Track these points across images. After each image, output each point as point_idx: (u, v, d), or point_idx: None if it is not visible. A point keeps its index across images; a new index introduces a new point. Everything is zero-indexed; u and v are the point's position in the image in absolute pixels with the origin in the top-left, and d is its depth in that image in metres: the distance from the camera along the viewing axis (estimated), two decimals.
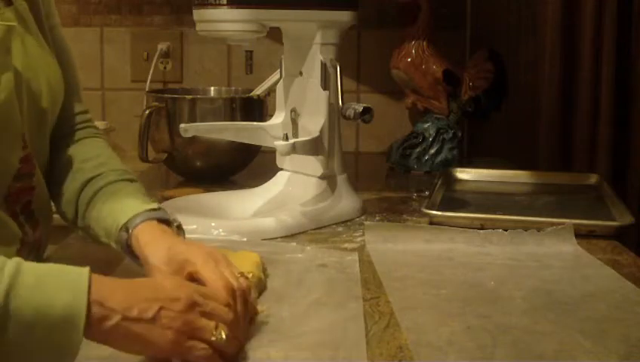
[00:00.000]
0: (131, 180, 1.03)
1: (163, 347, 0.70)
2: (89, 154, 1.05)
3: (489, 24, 1.96)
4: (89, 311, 0.66)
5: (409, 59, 1.81)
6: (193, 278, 0.83)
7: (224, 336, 0.73)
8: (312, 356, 0.76)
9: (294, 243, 1.16)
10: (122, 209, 0.95)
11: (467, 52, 2.00)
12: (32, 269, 0.68)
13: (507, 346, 0.79)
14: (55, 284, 0.67)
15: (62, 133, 1.06)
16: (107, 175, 1.01)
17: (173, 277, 0.83)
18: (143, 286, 0.74)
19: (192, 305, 0.72)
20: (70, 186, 1.02)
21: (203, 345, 0.71)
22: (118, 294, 0.69)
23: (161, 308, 0.70)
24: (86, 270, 0.69)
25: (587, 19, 1.58)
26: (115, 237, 0.94)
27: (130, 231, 0.92)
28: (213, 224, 1.19)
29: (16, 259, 0.68)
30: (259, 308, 0.87)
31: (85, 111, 1.13)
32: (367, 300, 0.93)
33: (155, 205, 0.96)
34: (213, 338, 0.72)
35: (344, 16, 1.30)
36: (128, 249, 0.93)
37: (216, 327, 0.73)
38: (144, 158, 1.56)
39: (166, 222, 0.95)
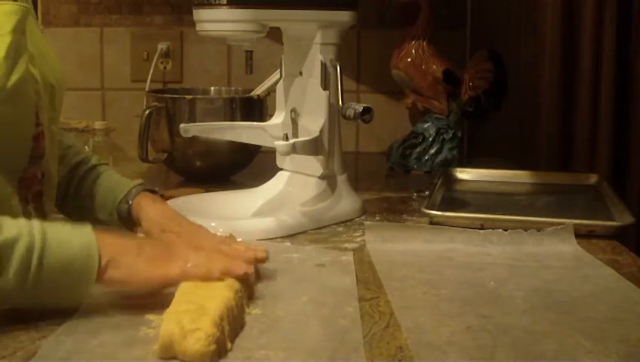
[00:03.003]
0: (107, 164, 1.20)
1: (144, 271, 0.84)
2: (68, 143, 1.18)
3: (489, 24, 1.96)
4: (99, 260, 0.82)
5: (409, 59, 1.81)
6: None
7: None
8: (310, 356, 0.76)
9: (289, 243, 1.16)
10: (117, 185, 1.14)
11: (467, 52, 2.00)
12: (51, 227, 0.82)
13: (507, 346, 0.79)
14: (72, 240, 0.82)
15: None
16: (88, 159, 1.18)
17: None
18: (131, 238, 0.96)
19: (169, 247, 0.90)
20: (60, 170, 1.13)
21: (179, 264, 0.86)
22: (112, 238, 0.86)
23: (143, 248, 0.86)
24: (89, 226, 0.85)
25: (587, 19, 1.58)
26: (112, 208, 1.12)
27: (131, 201, 1.11)
28: (213, 224, 1.19)
29: (38, 221, 0.82)
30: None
31: None
32: (367, 300, 0.93)
33: (140, 180, 1.15)
34: (188, 264, 0.86)
35: (344, 16, 1.30)
36: (128, 217, 1.11)
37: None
38: (144, 158, 1.56)
39: (153, 191, 1.15)
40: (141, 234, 1.09)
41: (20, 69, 0.92)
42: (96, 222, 1.12)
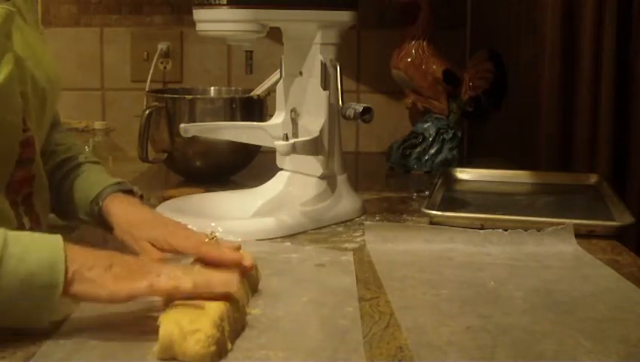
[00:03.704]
0: (95, 162, 1.16)
1: (111, 287, 0.78)
2: (60, 141, 1.15)
3: (489, 24, 1.96)
4: (65, 274, 0.76)
5: (409, 59, 1.81)
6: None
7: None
8: (310, 356, 0.76)
9: (289, 243, 1.16)
10: (91, 185, 1.09)
11: (467, 52, 2.00)
12: (16, 240, 0.77)
13: (507, 346, 0.79)
14: (36, 253, 0.76)
15: None
16: (76, 157, 1.14)
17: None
18: (103, 252, 0.83)
19: (141, 263, 0.83)
20: (46, 167, 1.10)
21: (148, 279, 0.79)
22: (81, 251, 0.80)
23: (113, 263, 0.80)
24: (58, 237, 0.79)
25: (587, 19, 1.58)
26: (86, 209, 1.08)
27: (101, 203, 1.06)
28: (212, 224, 1.19)
29: (2, 231, 0.76)
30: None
31: (57, 111, 1.20)
32: (367, 300, 0.92)
33: (118, 179, 1.11)
34: (157, 278, 0.79)
35: (344, 16, 1.30)
36: (100, 219, 1.06)
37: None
38: (144, 158, 1.56)
39: (130, 192, 1.10)
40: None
41: (4, 71, 0.90)
42: (81, 222, 1.11)
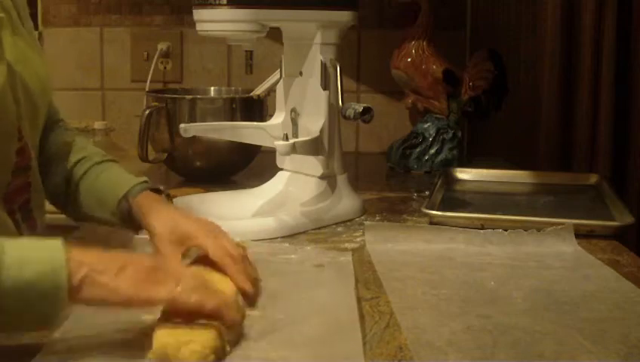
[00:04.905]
0: (114, 161, 1.12)
1: (126, 291, 0.74)
2: (69, 139, 1.12)
3: (489, 24, 1.96)
4: (70, 279, 0.72)
5: (409, 59, 1.81)
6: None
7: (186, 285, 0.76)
8: (310, 357, 0.76)
9: (287, 244, 1.16)
10: (118, 182, 1.06)
11: (467, 52, 2.00)
12: (12, 248, 0.72)
13: (507, 346, 0.79)
14: (35, 259, 0.72)
15: (47, 127, 1.10)
16: (93, 156, 1.10)
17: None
18: (113, 253, 0.79)
19: (157, 266, 0.78)
20: (60, 168, 1.08)
21: (168, 287, 0.75)
22: (90, 254, 0.75)
23: (127, 265, 0.75)
24: (59, 241, 0.74)
25: (587, 19, 1.58)
26: (113, 207, 1.04)
27: (131, 200, 1.02)
28: None
29: None
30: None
31: (58, 111, 1.17)
32: (367, 300, 0.93)
33: (145, 178, 1.07)
34: (178, 288, 0.75)
35: (344, 16, 1.30)
36: (129, 218, 1.03)
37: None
38: (144, 158, 1.56)
39: (157, 191, 1.07)
40: (142, 237, 1.03)
41: None
42: (100, 223, 1.08)
